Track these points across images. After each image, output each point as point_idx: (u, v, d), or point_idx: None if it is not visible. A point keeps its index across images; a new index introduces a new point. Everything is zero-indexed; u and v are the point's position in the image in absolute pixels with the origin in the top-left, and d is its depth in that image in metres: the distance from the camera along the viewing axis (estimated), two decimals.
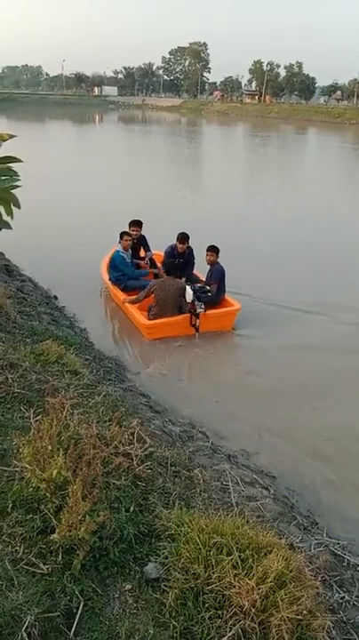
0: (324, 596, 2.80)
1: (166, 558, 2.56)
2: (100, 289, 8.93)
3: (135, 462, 3.03)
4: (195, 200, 17.77)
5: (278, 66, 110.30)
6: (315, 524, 3.82)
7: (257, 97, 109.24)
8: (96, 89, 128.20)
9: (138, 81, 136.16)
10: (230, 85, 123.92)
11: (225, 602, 2.35)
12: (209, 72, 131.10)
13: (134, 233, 8.70)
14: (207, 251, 7.91)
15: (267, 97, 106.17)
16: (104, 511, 2.51)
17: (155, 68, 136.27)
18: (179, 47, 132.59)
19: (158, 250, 8.97)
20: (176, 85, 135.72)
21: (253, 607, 2.29)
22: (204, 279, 8.13)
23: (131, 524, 2.65)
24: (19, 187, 4.78)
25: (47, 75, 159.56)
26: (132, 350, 7.10)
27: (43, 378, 4.12)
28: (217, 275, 7.75)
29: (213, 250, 7.84)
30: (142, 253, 9.11)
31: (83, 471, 2.55)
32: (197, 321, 7.31)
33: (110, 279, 8.45)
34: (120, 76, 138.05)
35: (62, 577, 2.33)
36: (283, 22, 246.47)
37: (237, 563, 2.45)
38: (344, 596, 2.95)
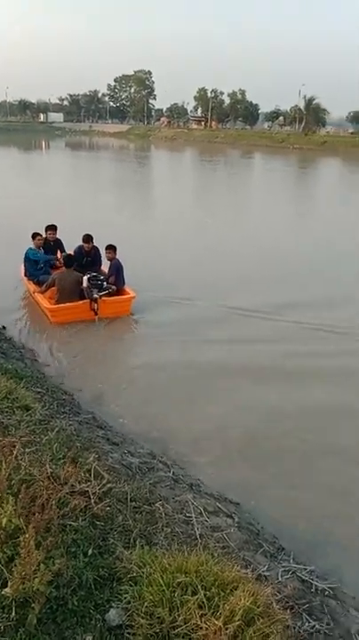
0: (294, 627, 2.72)
1: (129, 603, 2.42)
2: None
3: (93, 501, 2.89)
4: (146, 225, 17.86)
5: (222, 93, 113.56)
6: (282, 550, 3.75)
7: (203, 123, 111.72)
8: (41, 115, 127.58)
9: (84, 107, 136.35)
10: (176, 112, 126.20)
11: None
12: (154, 99, 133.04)
13: (50, 236, 9.88)
14: (106, 249, 9.17)
15: (213, 123, 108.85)
16: (60, 558, 2.37)
17: (100, 95, 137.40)
18: (123, 75, 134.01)
19: (71, 251, 9.68)
20: (122, 112, 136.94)
21: None
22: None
23: (89, 569, 2.50)
24: None
25: None
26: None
27: None
28: (114, 268, 9.01)
29: (111, 248, 9.11)
30: (59, 255, 10.01)
31: (37, 516, 2.40)
32: (96, 305, 8.34)
33: (25, 275, 9.43)
34: (65, 102, 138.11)
35: (16, 635, 2.16)
36: (224, 50, 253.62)
37: (203, 602, 2.35)
38: (314, 625, 2.87)
